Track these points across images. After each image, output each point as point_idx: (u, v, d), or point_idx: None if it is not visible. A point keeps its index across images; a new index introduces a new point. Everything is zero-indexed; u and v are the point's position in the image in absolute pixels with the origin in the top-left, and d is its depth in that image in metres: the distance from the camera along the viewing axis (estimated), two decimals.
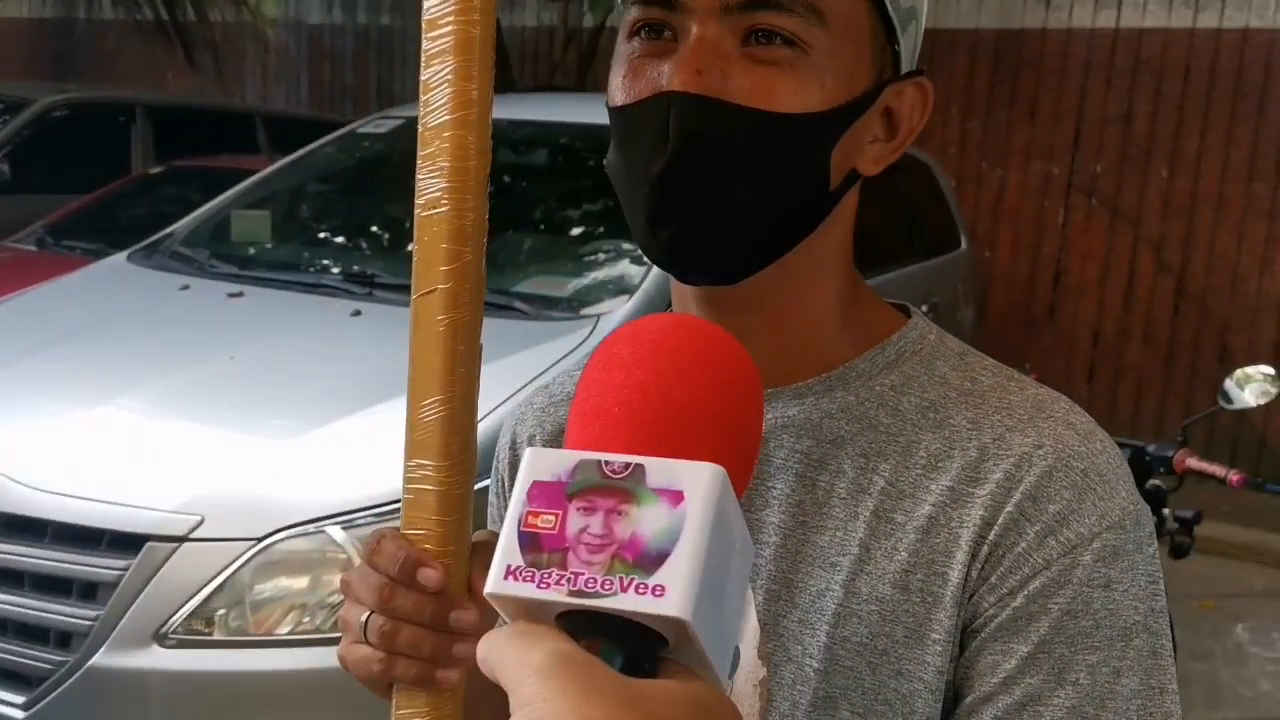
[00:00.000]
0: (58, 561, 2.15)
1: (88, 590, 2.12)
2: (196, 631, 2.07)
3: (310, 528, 2.11)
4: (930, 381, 0.75)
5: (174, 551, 2.09)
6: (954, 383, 0.75)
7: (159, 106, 6.95)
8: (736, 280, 0.73)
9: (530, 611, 0.48)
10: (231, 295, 2.99)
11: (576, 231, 3.53)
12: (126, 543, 2.11)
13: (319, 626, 2.08)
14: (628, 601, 0.45)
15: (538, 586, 0.47)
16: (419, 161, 0.67)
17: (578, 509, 0.47)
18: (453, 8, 0.65)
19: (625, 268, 3.00)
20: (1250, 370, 2.95)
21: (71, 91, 6.77)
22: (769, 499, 0.74)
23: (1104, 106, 6.53)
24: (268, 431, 2.39)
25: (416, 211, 0.67)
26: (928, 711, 0.69)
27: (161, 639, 2.07)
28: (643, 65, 0.70)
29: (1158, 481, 2.86)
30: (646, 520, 0.46)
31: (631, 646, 0.46)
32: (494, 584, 0.48)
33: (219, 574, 2.07)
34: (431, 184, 0.67)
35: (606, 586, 0.45)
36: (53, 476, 2.24)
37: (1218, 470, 2.67)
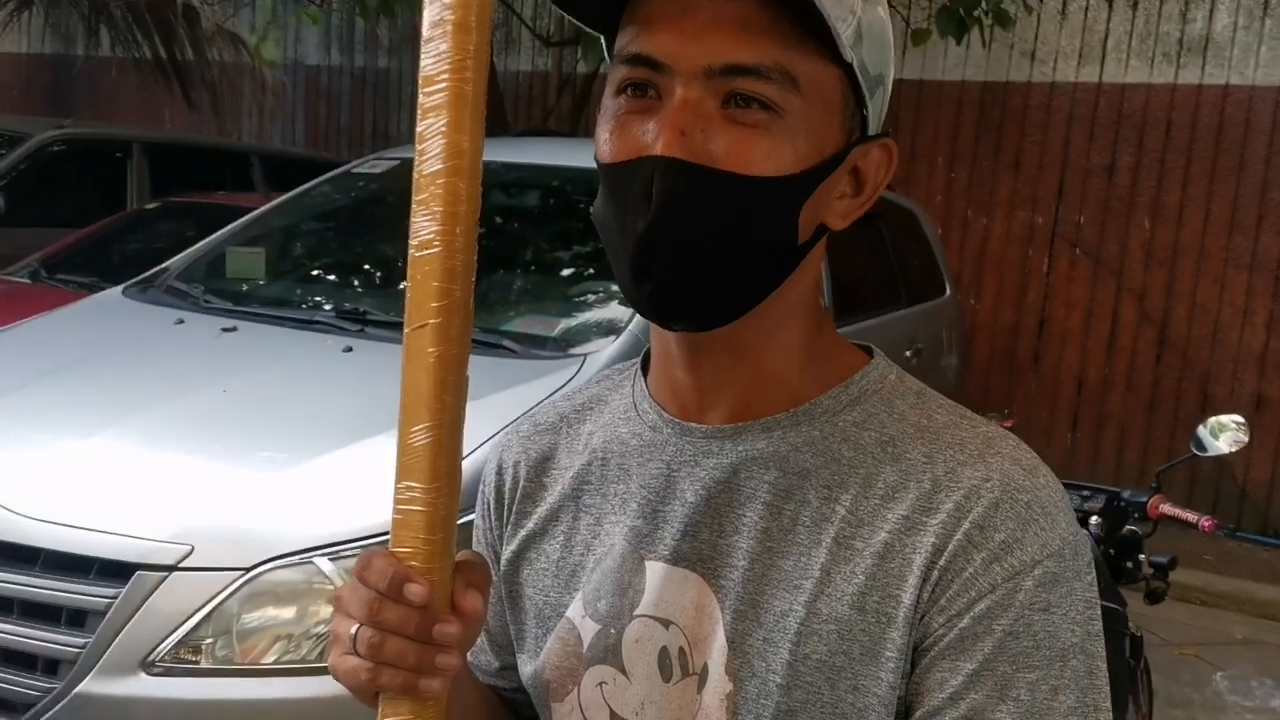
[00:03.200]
0: (48, 589, 2.16)
1: (76, 618, 2.14)
2: (183, 660, 2.09)
3: (298, 559, 2.14)
4: (889, 418, 0.80)
5: (163, 580, 2.11)
6: (911, 420, 0.80)
7: (156, 143, 7.01)
8: (711, 328, 0.79)
9: None
10: (225, 330, 3.03)
11: (566, 273, 3.59)
12: (116, 571, 2.13)
13: (305, 656, 2.10)
14: None
15: None
16: (414, 205, 0.72)
17: None
18: (447, 66, 0.71)
19: (613, 309, 3.05)
20: (1224, 419, 3.02)
21: (69, 127, 6.83)
22: (739, 525, 0.79)
23: (1087, 158, 6.65)
24: (258, 463, 2.42)
25: (410, 252, 0.73)
26: None
27: (148, 667, 2.09)
28: (629, 123, 0.75)
29: (1134, 527, 2.90)
30: None
31: None
32: None
33: (207, 603, 2.09)
34: (425, 226, 0.72)
35: None
36: (45, 505, 2.26)
37: (1190, 516, 2.72)
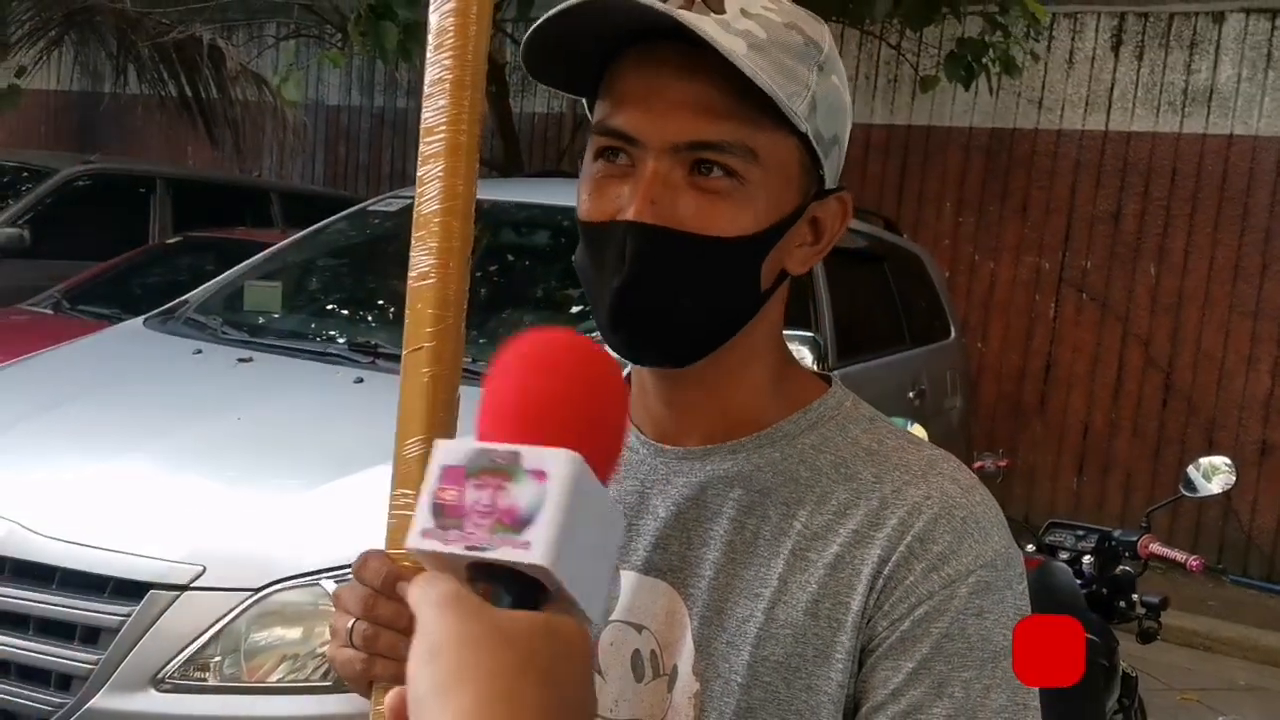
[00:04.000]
0: (63, 606, 2.24)
1: (90, 635, 2.21)
2: (192, 677, 2.16)
3: (305, 581, 2.21)
4: (843, 442, 0.88)
5: (175, 599, 2.18)
6: (863, 443, 0.88)
7: (178, 179, 7.16)
8: (681, 366, 0.87)
9: (445, 564, 0.63)
10: (241, 360, 3.12)
11: (575, 310, 3.68)
12: (130, 590, 2.21)
13: (310, 676, 2.17)
14: (504, 553, 0.60)
15: (444, 544, 0.62)
16: (413, 241, 0.81)
17: (473, 485, 0.62)
18: (445, 119, 0.80)
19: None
20: (1215, 460, 3.08)
21: (94, 162, 6.98)
22: (706, 539, 0.87)
23: (1094, 205, 6.72)
24: (269, 489, 2.49)
25: (409, 282, 0.81)
26: (830, 719, 0.81)
27: (158, 684, 2.15)
28: (605, 185, 0.84)
29: (1126, 567, 2.95)
30: (520, 494, 0.61)
31: (516, 590, 0.61)
32: (412, 541, 0.63)
33: (217, 622, 2.17)
34: (422, 260, 0.81)
35: (490, 543, 0.60)
36: (63, 525, 2.34)
37: (1179, 555, 2.77)
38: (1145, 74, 6.63)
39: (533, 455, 0.62)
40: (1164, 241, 6.57)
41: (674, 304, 0.83)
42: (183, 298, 3.78)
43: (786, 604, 0.82)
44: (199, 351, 3.23)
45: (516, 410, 0.67)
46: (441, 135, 0.80)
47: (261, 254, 4.05)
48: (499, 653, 0.58)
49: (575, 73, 0.87)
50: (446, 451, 0.64)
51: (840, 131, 0.88)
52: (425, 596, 0.61)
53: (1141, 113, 6.63)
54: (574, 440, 0.63)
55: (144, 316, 3.65)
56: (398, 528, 0.80)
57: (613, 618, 0.88)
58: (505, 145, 6.80)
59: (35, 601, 2.27)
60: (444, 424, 0.81)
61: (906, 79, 6.96)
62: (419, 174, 0.81)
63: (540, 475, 0.61)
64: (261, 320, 3.66)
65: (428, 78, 0.80)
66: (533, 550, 0.59)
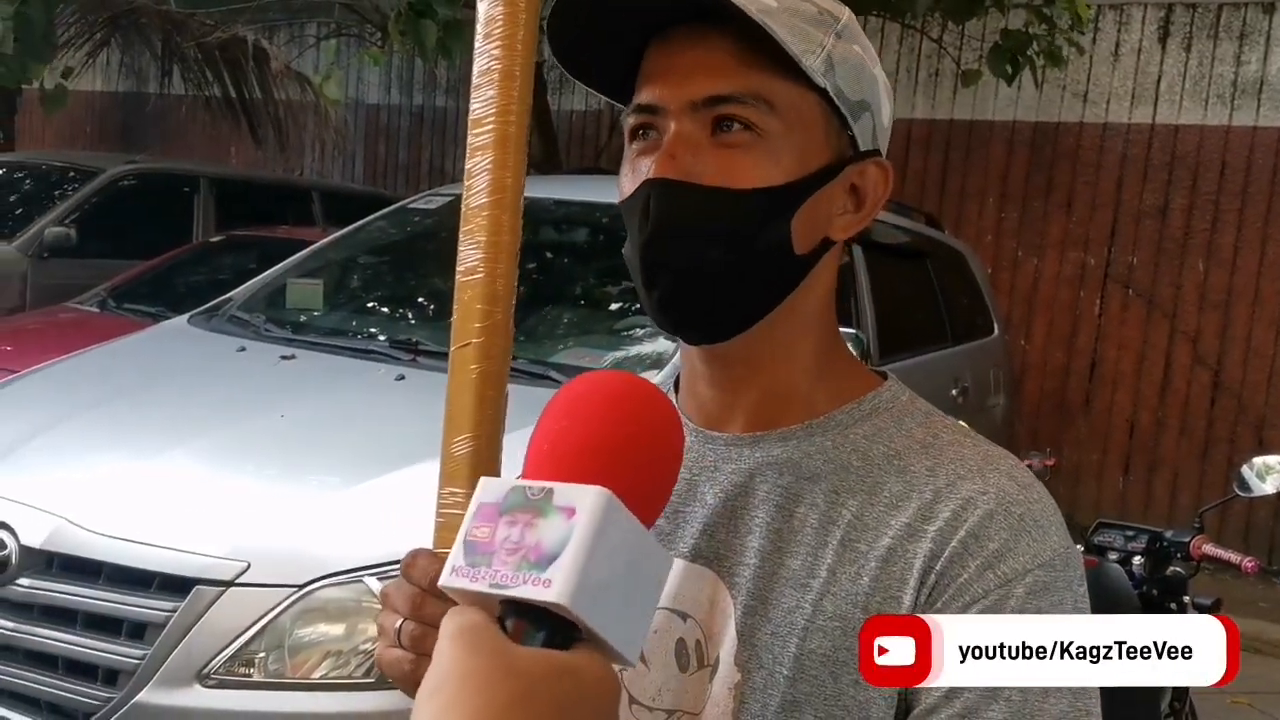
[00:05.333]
0: (110, 602, 2.26)
1: (136, 630, 2.23)
2: (237, 673, 2.17)
3: (348, 577, 2.21)
4: (898, 434, 0.86)
5: (220, 595, 2.19)
6: (918, 437, 0.86)
7: (221, 178, 7.24)
8: (724, 338, 0.86)
9: (478, 600, 0.63)
10: (284, 358, 3.14)
11: (614, 307, 3.67)
12: (176, 585, 2.22)
13: (353, 672, 2.17)
14: (525, 591, 0.60)
15: (470, 580, 0.62)
16: (461, 235, 0.80)
17: (505, 522, 0.63)
18: (494, 110, 0.78)
19: (658, 343, 3.12)
20: (1270, 460, 3.00)
21: (139, 162, 7.07)
22: (751, 526, 0.85)
23: (1140, 199, 6.62)
24: (313, 485, 2.50)
25: (457, 277, 0.80)
26: (881, 717, 0.79)
27: (203, 679, 2.17)
28: (638, 162, 0.85)
29: (1177, 568, 2.89)
30: (547, 530, 0.61)
31: (548, 629, 0.61)
32: (444, 579, 0.64)
33: (261, 618, 2.17)
34: (470, 254, 0.79)
35: (514, 580, 0.61)
36: (109, 521, 2.36)
37: (1233, 556, 2.71)
38: (1194, 66, 6.51)
39: (565, 492, 0.62)
40: (1212, 237, 6.45)
41: (701, 258, 0.82)
42: (226, 295, 3.81)
43: (835, 596, 0.80)
44: (242, 349, 3.26)
45: (556, 449, 0.68)
46: (490, 127, 0.79)
47: (303, 252, 4.08)
48: (496, 687, 0.58)
49: (616, 79, 0.88)
50: (485, 489, 0.66)
51: (870, 98, 0.87)
52: (445, 628, 0.62)
53: (1189, 105, 6.51)
54: (616, 480, 0.63)
55: (188, 314, 3.68)
56: (445, 525, 0.79)
57: (659, 605, 0.87)
58: (543, 143, 6.80)
59: (83, 597, 2.29)
60: (492, 420, 0.80)
61: (948, 73, 6.88)
62: (467, 166, 0.80)
63: (570, 511, 0.61)
64: (304, 318, 3.68)
65: (476, 68, 0.79)
66: (553, 588, 0.60)
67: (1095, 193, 6.72)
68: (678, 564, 0.87)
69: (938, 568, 0.78)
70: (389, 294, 3.99)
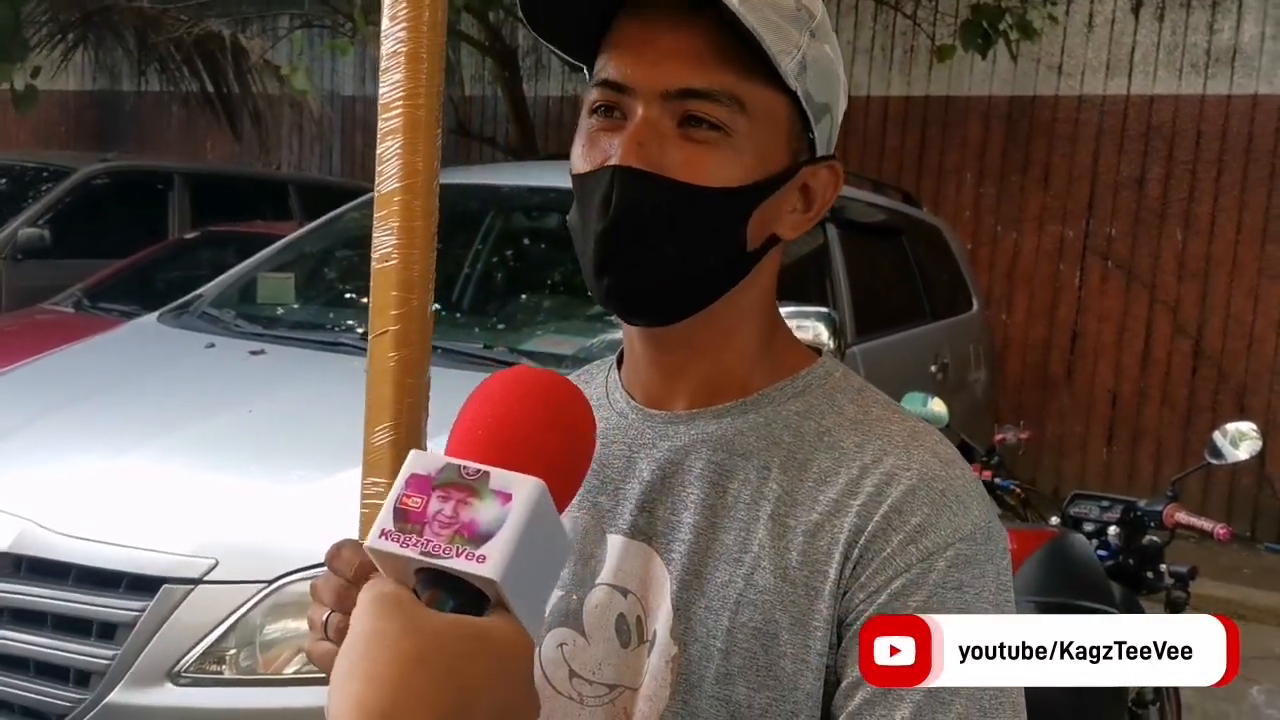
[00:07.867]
0: (79, 603, 2.24)
1: (106, 630, 2.22)
2: (208, 670, 2.16)
3: (318, 571, 2.20)
4: (829, 411, 0.86)
5: (189, 593, 2.18)
6: (849, 413, 0.86)
7: (196, 174, 7.19)
8: (669, 323, 0.86)
9: (396, 567, 0.66)
10: (253, 353, 3.12)
11: (585, 294, 3.65)
12: (144, 584, 2.21)
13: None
14: (458, 564, 0.64)
15: (400, 546, 0.65)
16: (374, 222, 0.79)
17: (438, 496, 0.66)
18: (401, 93, 0.77)
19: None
20: (1243, 426, 3.02)
21: (112, 160, 7.01)
22: (687, 502, 0.86)
23: (1117, 171, 6.62)
24: (281, 480, 2.49)
25: (372, 265, 0.79)
26: (810, 688, 0.79)
27: (175, 677, 2.16)
28: (598, 139, 0.84)
29: (1153, 537, 2.90)
30: (483, 511, 0.65)
31: (460, 597, 0.65)
32: (371, 540, 0.66)
33: (231, 615, 2.17)
34: (384, 241, 0.78)
35: (447, 552, 0.64)
36: (77, 522, 2.35)
37: (1205, 524, 2.72)
38: (1167, 35, 6.51)
39: (501, 477, 0.66)
40: (1190, 206, 6.46)
41: (658, 252, 0.83)
42: (196, 292, 3.79)
43: (765, 570, 0.81)
44: (212, 345, 3.24)
45: (492, 434, 0.71)
46: (399, 111, 0.77)
47: (274, 246, 4.05)
48: (403, 642, 0.60)
49: (576, 39, 0.87)
50: (417, 461, 0.68)
51: (832, 101, 0.87)
52: (361, 597, 0.65)
53: (1164, 75, 6.51)
54: (542, 470, 0.67)
55: (157, 312, 3.66)
56: (369, 517, 0.79)
57: (600, 580, 0.88)
58: (519, 129, 6.77)
59: (52, 599, 2.27)
60: (412, 409, 0.79)
61: (923, 49, 6.86)
62: (377, 152, 0.79)
63: (505, 497, 0.65)
64: (276, 312, 3.66)
65: (383, 50, 0.78)
66: (487, 564, 0.63)
67: (1072, 165, 6.72)
68: (616, 540, 0.88)
69: (861, 542, 0.79)
70: (360, 285, 3.97)
